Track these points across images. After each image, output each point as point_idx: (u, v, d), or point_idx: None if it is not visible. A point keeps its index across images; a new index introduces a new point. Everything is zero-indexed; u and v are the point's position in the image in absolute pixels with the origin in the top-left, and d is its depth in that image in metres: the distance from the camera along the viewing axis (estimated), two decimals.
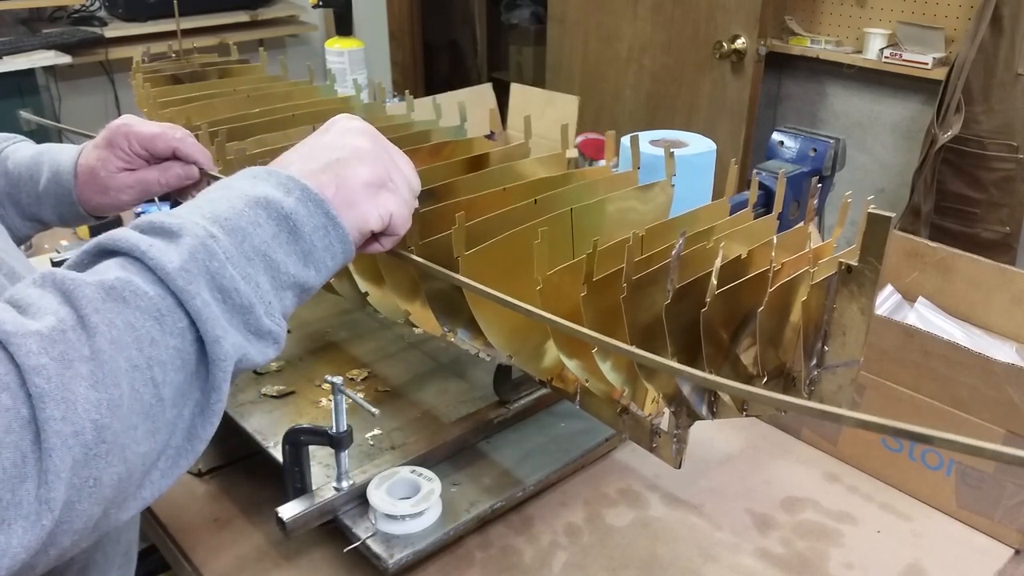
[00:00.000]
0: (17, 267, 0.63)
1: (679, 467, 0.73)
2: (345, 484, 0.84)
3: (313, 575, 0.85)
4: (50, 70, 2.82)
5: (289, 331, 0.56)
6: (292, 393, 1.01)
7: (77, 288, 0.44)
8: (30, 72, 2.58)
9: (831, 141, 1.09)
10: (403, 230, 0.63)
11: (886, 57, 2.58)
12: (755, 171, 0.99)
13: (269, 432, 0.92)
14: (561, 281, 0.67)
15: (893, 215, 0.54)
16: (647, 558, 0.87)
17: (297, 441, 0.81)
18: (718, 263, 0.64)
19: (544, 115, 2.26)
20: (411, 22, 3.88)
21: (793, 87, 2.98)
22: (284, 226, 0.53)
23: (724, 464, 1.02)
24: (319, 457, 0.87)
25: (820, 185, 0.96)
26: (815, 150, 1.10)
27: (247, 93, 1.22)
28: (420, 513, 0.82)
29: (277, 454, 0.86)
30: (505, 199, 0.80)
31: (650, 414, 0.73)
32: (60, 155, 0.84)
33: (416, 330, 0.87)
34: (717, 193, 0.91)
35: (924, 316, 1.20)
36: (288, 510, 0.81)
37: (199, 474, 0.98)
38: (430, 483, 0.84)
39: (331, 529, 0.85)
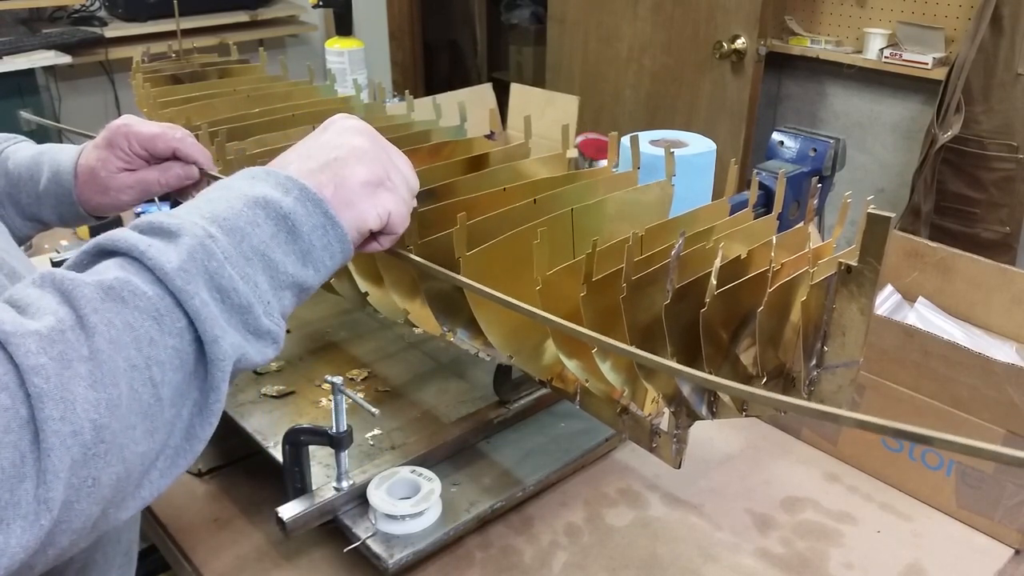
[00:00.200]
0: (18, 267, 0.63)
1: (679, 467, 0.73)
2: (345, 484, 0.84)
3: (313, 575, 0.85)
4: (50, 70, 2.82)
5: (289, 331, 0.56)
6: (292, 393, 1.01)
7: (76, 288, 0.44)
8: (30, 72, 2.58)
9: (831, 141, 1.09)
10: (402, 229, 0.63)
11: (886, 57, 2.58)
12: (755, 171, 0.99)
13: (269, 432, 0.92)
14: (561, 281, 0.67)
15: (893, 215, 0.54)
16: (647, 558, 0.87)
17: (297, 441, 0.81)
18: (718, 263, 0.64)
19: (544, 115, 2.26)
20: (411, 22, 3.88)
21: (793, 87, 2.98)
22: (283, 226, 0.53)
23: (724, 464, 1.02)
24: (319, 457, 0.87)
25: (820, 185, 0.96)
26: (815, 150, 1.10)
27: (247, 93, 1.22)
28: (420, 513, 0.82)
29: (277, 454, 0.86)
30: (505, 199, 0.80)
31: (650, 414, 0.73)
32: (60, 155, 0.84)
33: (416, 330, 0.87)
34: (717, 193, 0.91)
35: (924, 316, 1.20)
36: (288, 510, 0.81)
37: (199, 474, 0.98)
38: (430, 483, 0.84)
39: (331, 529, 0.85)
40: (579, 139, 1.94)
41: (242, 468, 0.99)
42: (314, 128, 0.63)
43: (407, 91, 1.28)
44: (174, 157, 0.83)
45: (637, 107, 2.86)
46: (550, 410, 1.01)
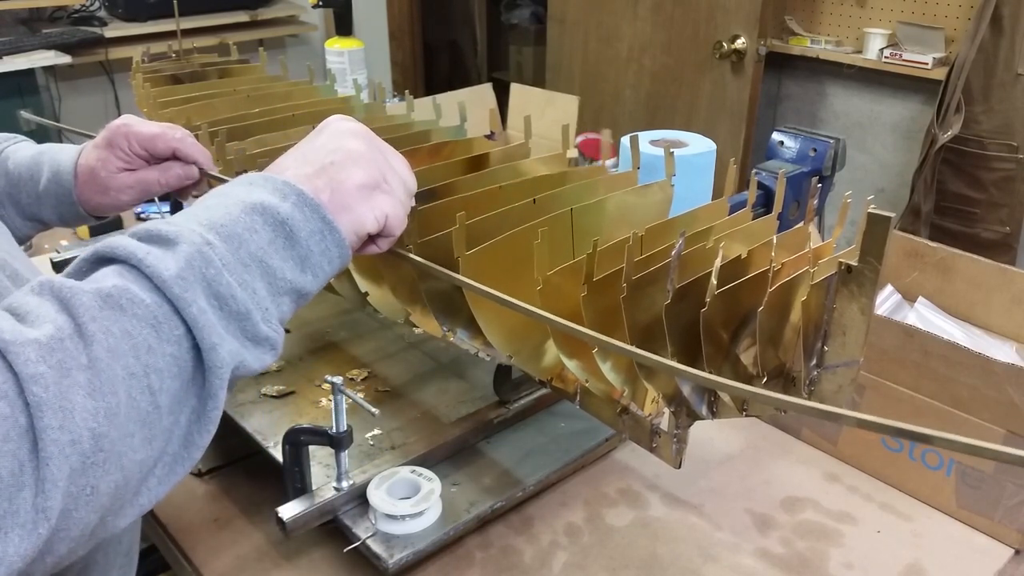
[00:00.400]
0: (21, 269, 0.62)
1: (679, 467, 0.73)
2: (345, 484, 0.84)
3: (313, 575, 0.85)
4: (50, 70, 2.82)
5: (288, 331, 0.56)
6: (292, 393, 1.01)
7: (74, 296, 0.44)
8: (30, 72, 2.58)
9: (831, 141, 1.09)
10: (399, 231, 0.63)
11: (886, 57, 2.58)
12: (755, 171, 0.99)
13: (269, 432, 0.92)
14: (561, 281, 0.67)
15: (893, 215, 0.54)
16: (647, 558, 0.87)
17: (297, 441, 0.81)
18: (718, 263, 0.64)
19: (544, 115, 2.26)
20: (411, 22, 3.88)
21: (793, 87, 2.98)
22: (280, 232, 0.53)
23: (724, 464, 1.02)
24: (319, 457, 0.87)
25: (820, 185, 0.96)
26: (815, 150, 1.10)
27: (247, 93, 1.22)
28: (420, 513, 0.82)
29: (277, 454, 0.86)
30: (504, 199, 0.80)
31: (650, 414, 0.73)
32: (60, 155, 0.84)
33: (416, 330, 0.87)
34: (717, 193, 0.91)
35: (924, 316, 1.20)
36: (288, 510, 0.81)
37: (199, 474, 0.98)
38: (430, 483, 0.84)
39: (331, 529, 0.85)
40: (579, 139, 1.94)
41: (242, 468, 0.99)
42: (313, 128, 0.63)
43: (407, 91, 1.28)
44: (174, 157, 0.83)
45: (637, 107, 2.86)
46: (550, 410, 1.01)
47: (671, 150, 0.87)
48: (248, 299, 0.50)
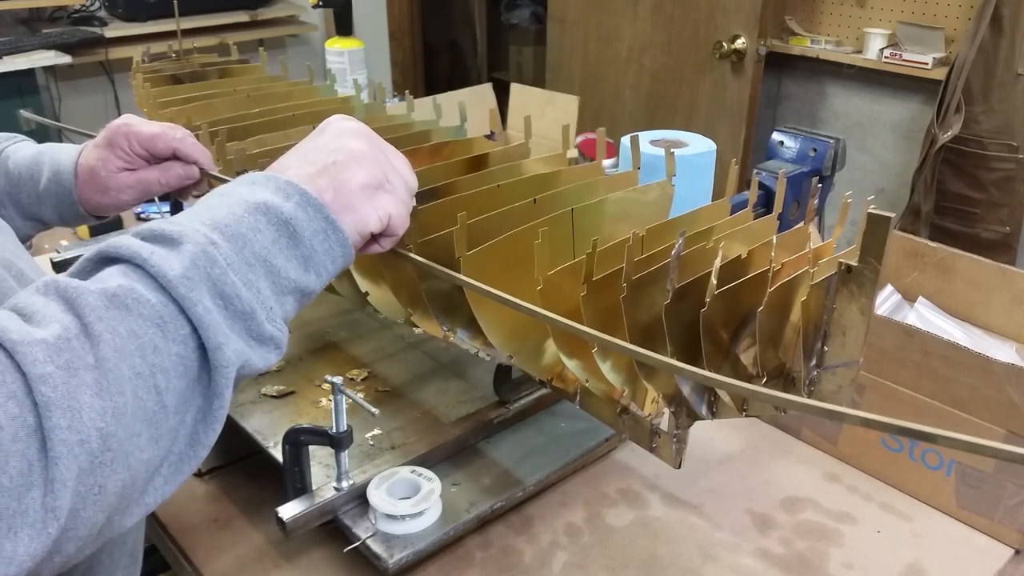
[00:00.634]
0: (26, 269, 0.63)
1: (679, 467, 0.73)
2: (345, 484, 0.84)
3: (313, 575, 0.85)
4: (50, 70, 2.82)
5: (289, 331, 0.56)
6: (292, 393, 1.01)
7: (80, 296, 0.44)
8: (30, 72, 2.58)
9: (831, 141, 1.10)
10: (402, 230, 0.63)
11: (886, 57, 2.58)
12: (755, 171, 0.99)
13: (269, 432, 0.92)
14: (561, 281, 0.67)
15: (893, 215, 0.54)
16: (647, 558, 0.87)
17: (297, 441, 0.81)
18: (718, 263, 0.64)
19: (544, 115, 2.26)
20: (411, 22, 3.88)
21: (793, 87, 2.98)
22: (284, 231, 0.53)
23: (724, 464, 1.02)
24: (319, 457, 0.87)
25: (820, 185, 0.96)
26: (815, 150, 1.10)
27: (247, 93, 1.22)
28: (420, 513, 0.82)
29: (277, 454, 0.86)
30: (502, 197, 0.80)
31: (650, 414, 0.73)
32: (60, 155, 0.84)
33: (416, 330, 0.87)
34: (717, 193, 0.92)
35: (924, 316, 1.20)
36: (288, 510, 0.81)
37: (199, 474, 0.98)
38: (430, 483, 0.84)
39: (331, 529, 0.85)
40: (579, 139, 1.94)
41: (242, 468, 0.99)
42: (314, 128, 0.63)
43: (407, 91, 1.28)
44: (174, 157, 0.83)
45: (637, 107, 2.86)
46: (550, 410, 1.01)
47: (671, 150, 0.87)
48: (253, 298, 0.50)
